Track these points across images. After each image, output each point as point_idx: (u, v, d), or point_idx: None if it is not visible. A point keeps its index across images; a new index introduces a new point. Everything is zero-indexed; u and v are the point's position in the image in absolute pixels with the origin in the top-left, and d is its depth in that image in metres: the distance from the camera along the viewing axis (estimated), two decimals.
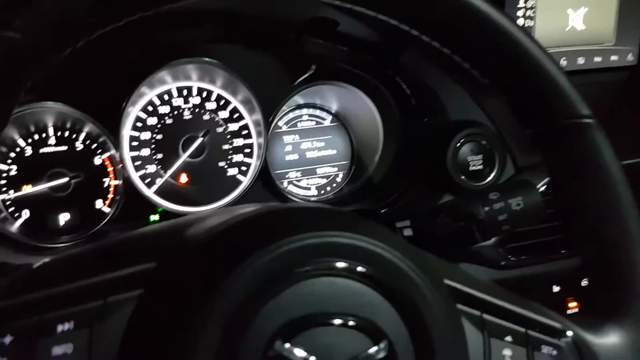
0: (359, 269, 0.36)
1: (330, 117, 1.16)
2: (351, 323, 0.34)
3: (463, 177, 0.94)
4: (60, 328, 0.33)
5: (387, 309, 0.36)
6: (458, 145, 0.93)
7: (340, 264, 0.35)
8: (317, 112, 1.16)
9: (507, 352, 0.42)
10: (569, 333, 0.46)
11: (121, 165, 0.93)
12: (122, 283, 0.36)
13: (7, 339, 0.32)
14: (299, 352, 0.32)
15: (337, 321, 0.34)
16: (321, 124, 1.16)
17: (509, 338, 0.43)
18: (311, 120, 1.15)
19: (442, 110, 0.96)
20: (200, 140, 1.01)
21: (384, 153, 1.10)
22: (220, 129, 1.03)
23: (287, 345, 0.32)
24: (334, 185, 1.16)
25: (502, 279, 0.95)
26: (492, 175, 0.96)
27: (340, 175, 1.16)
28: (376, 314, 0.36)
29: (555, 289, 1.04)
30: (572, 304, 1.05)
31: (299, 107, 1.14)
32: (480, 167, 0.95)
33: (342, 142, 1.17)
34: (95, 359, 0.33)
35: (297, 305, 0.34)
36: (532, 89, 0.49)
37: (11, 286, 0.37)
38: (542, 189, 0.93)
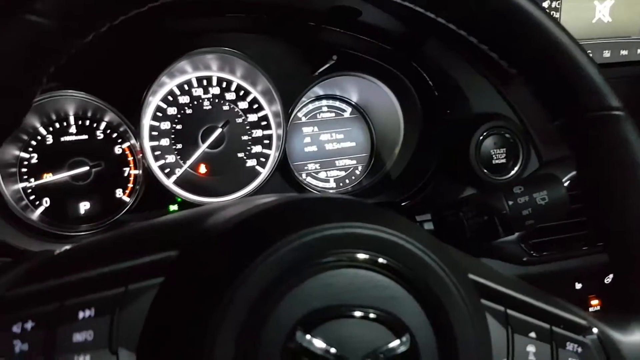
0: (381, 260, 0.35)
1: (350, 109, 1.16)
2: (372, 315, 0.34)
3: (486, 170, 0.93)
4: (81, 315, 0.34)
5: (409, 302, 0.36)
6: (481, 138, 0.92)
7: (362, 255, 0.35)
8: (337, 104, 1.15)
9: (531, 348, 0.42)
10: (595, 330, 0.45)
11: (141, 154, 0.94)
12: (143, 270, 0.36)
13: (29, 325, 0.33)
14: (319, 343, 0.32)
15: (358, 313, 0.34)
16: (341, 115, 1.15)
17: (533, 334, 0.42)
18: (331, 111, 1.15)
19: (465, 102, 0.95)
20: (219, 130, 1.01)
21: (405, 145, 1.10)
22: (239, 120, 1.04)
23: (308, 336, 0.32)
24: (353, 177, 1.15)
25: (523, 274, 0.94)
26: (516, 169, 0.95)
27: (360, 168, 1.16)
28: (398, 307, 0.35)
29: (578, 285, 1.02)
30: (594, 301, 1.03)
31: (319, 98, 1.14)
32: (504, 160, 0.94)
33: (362, 134, 1.16)
34: (116, 346, 0.33)
35: (318, 296, 0.34)
36: (562, 79, 0.48)
37: (32, 272, 0.37)
38: (567, 183, 0.92)
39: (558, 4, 1.00)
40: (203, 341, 0.31)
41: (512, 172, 0.94)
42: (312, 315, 0.33)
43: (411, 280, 0.36)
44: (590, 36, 1.03)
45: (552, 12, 1.00)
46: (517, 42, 0.47)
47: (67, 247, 0.41)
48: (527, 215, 0.72)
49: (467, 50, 0.86)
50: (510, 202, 0.73)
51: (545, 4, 0.98)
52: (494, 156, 0.93)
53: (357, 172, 1.16)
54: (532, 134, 0.96)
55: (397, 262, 0.36)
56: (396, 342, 0.34)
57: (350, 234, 0.35)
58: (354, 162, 1.15)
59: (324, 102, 1.14)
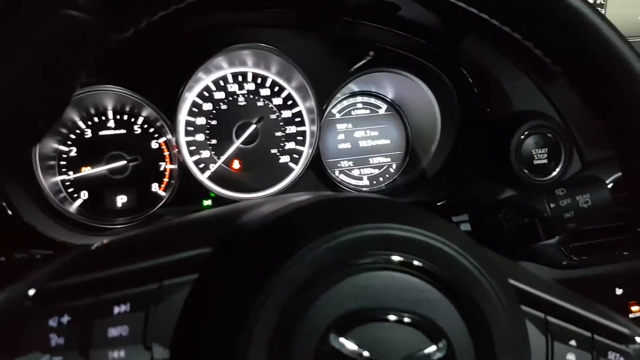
0: (417, 263, 0.35)
1: (385, 106, 1.15)
2: (408, 320, 0.33)
3: (526, 171, 0.90)
4: (116, 310, 0.34)
5: (447, 307, 0.35)
6: (522, 137, 0.90)
7: (398, 258, 0.34)
8: (372, 100, 1.15)
9: (571, 356, 0.41)
10: (638, 340, 0.43)
11: (177, 149, 0.95)
12: (178, 267, 0.37)
13: (65, 319, 0.33)
14: (352, 346, 0.32)
15: (393, 317, 0.33)
16: (376, 112, 1.14)
17: (573, 342, 0.41)
18: (365, 108, 1.14)
19: (506, 100, 0.93)
20: (253, 126, 1.02)
21: (442, 143, 1.08)
22: (273, 116, 1.04)
23: (341, 338, 0.32)
24: (387, 175, 1.14)
25: (562, 278, 0.92)
26: (558, 170, 0.92)
27: (394, 166, 1.15)
28: (435, 311, 0.34)
29: (618, 291, 0.99)
30: (635, 307, 1.00)
31: (354, 94, 1.13)
32: (545, 161, 0.92)
33: (397, 131, 1.15)
34: (150, 341, 0.34)
35: (352, 298, 0.33)
36: (608, 77, 0.46)
37: (69, 266, 0.38)
38: (611, 185, 0.89)
39: (603, 0, 0.97)
40: (236, 340, 0.31)
41: (554, 173, 0.92)
42: (346, 317, 0.33)
43: (449, 284, 0.35)
44: (636, 33, 1.00)
45: (597, 8, 0.97)
46: (563, 39, 0.45)
47: (104, 241, 0.41)
48: (569, 219, 0.70)
49: (509, 47, 0.84)
50: (552, 205, 0.71)
51: (590, 0, 0.95)
52: (535, 156, 0.91)
53: (392, 170, 1.15)
54: (575, 133, 0.93)
55: (434, 265, 0.35)
56: (432, 348, 0.33)
57: (386, 235, 0.35)
58: (389, 159, 1.14)
59: (359, 98, 1.14)
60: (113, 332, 0.33)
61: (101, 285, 0.35)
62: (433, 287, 0.35)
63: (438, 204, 1.00)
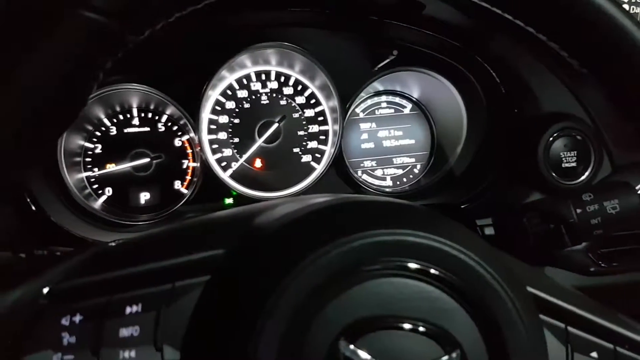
0: (433, 271, 0.34)
1: (410, 105, 1.14)
2: (422, 329, 0.33)
3: (554, 174, 0.88)
4: (128, 310, 0.35)
5: (462, 317, 0.34)
6: (550, 139, 0.88)
7: (413, 265, 0.34)
8: (397, 100, 1.14)
9: None
10: None
11: (199, 147, 0.97)
12: (190, 268, 0.37)
13: (77, 318, 0.34)
14: (364, 354, 0.31)
15: (407, 325, 0.33)
16: (400, 111, 1.14)
17: (594, 354, 0.40)
18: (390, 107, 1.13)
19: (535, 100, 0.91)
20: (275, 125, 1.03)
21: (467, 144, 1.06)
22: (296, 115, 1.04)
23: (352, 346, 0.32)
24: (411, 176, 1.13)
25: (589, 285, 0.89)
26: (587, 174, 0.90)
27: (418, 167, 1.14)
28: (449, 320, 0.34)
29: None
30: None
31: (378, 93, 1.12)
32: (574, 164, 0.89)
33: (422, 131, 1.14)
34: (161, 342, 0.34)
35: (364, 305, 0.33)
36: (638, 79, 0.44)
37: (83, 265, 0.39)
38: None
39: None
40: (246, 344, 0.31)
41: (583, 177, 0.89)
42: (357, 324, 0.32)
43: (464, 293, 0.34)
44: None
45: (632, 7, 0.94)
46: (588, 40, 0.44)
47: (119, 240, 0.42)
48: (596, 225, 0.68)
49: (537, 47, 0.82)
50: (579, 210, 0.69)
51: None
52: (563, 159, 0.88)
53: (416, 170, 1.14)
54: (606, 136, 0.90)
55: (450, 273, 0.34)
56: (445, 358, 0.33)
57: (400, 241, 0.35)
58: (413, 160, 1.14)
59: (384, 97, 1.13)
60: (124, 332, 0.34)
61: (113, 286, 0.36)
62: (448, 295, 0.34)
63: (462, 206, 0.99)
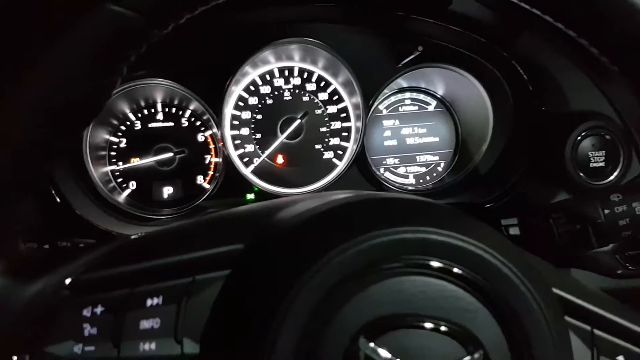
0: (456, 270, 0.34)
1: (435, 102, 1.13)
2: (443, 328, 0.32)
3: (582, 174, 0.87)
4: (149, 302, 0.35)
5: (485, 317, 0.34)
6: (579, 138, 0.86)
7: (435, 263, 0.34)
8: (421, 97, 1.13)
9: None
10: None
11: (222, 143, 0.98)
12: (210, 262, 0.37)
13: (98, 309, 0.35)
14: (384, 352, 0.31)
15: (428, 325, 0.32)
16: (425, 109, 1.13)
17: (621, 358, 0.39)
18: (414, 104, 1.13)
19: (563, 99, 0.89)
20: (298, 121, 1.03)
21: (493, 143, 1.05)
22: (318, 111, 1.05)
23: (372, 344, 0.31)
24: (434, 174, 1.13)
25: (616, 288, 0.87)
26: (615, 174, 0.88)
27: (442, 165, 1.13)
28: (472, 320, 0.33)
29: None
30: None
31: (402, 90, 1.12)
32: (602, 164, 0.87)
33: (447, 129, 1.13)
34: (181, 335, 0.34)
35: (385, 303, 0.33)
36: None
37: (105, 257, 0.40)
38: None
39: None
40: (264, 339, 0.31)
41: (611, 178, 0.88)
42: (378, 322, 0.32)
43: (487, 293, 0.34)
44: None
45: None
46: (619, 37, 0.43)
47: (141, 233, 0.43)
48: (624, 226, 0.67)
49: (566, 44, 0.81)
50: (607, 211, 0.68)
51: None
52: (591, 159, 0.87)
53: (439, 168, 1.13)
54: (636, 135, 0.88)
55: (473, 273, 0.34)
56: (467, 359, 0.32)
57: (423, 239, 0.34)
58: (437, 158, 1.13)
59: (408, 94, 1.12)
60: (145, 324, 0.34)
61: (135, 278, 0.36)
62: (471, 295, 0.34)
63: (487, 206, 0.98)
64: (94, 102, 0.37)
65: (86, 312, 0.34)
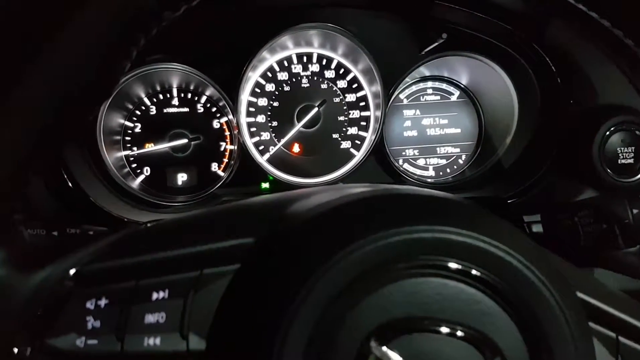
0: (475, 272, 0.33)
1: (458, 92, 1.11)
2: (460, 333, 0.31)
3: (610, 170, 0.85)
4: (155, 296, 0.35)
5: (503, 321, 0.33)
6: (607, 133, 0.84)
7: (453, 264, 0.33)
8: (444, 86, 1.11)
9: None
10: None
11: (237, 130, 0.97)
12: (219, 256, 0.37)
13: (102, 302, 0.34)
14: (396, 357, 0.30)
15: (444, 329, 0.31)
16: (447, 98, 1.11)
17: None
18: (436, 94, 1.11)
19: (592, 91, 0.87)
20: (315, 110, 1.02)
21: (518, 135, 1.03)
22: (337, 99, 1.04)
23: (384, 347, 0.31)
24: (455, 167, 1.11)
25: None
26: None
27: (463, 157, 1.11)
28: (490, 325, 0.32)
29: None
30: None
31: (424, 79, 1.10)
32: (631, 160, 0.85)
33: (470, 120, 1.11)
34: (187, 330, 0.34)
35: (400, 304, 0.32)
36: None
37: (111, 248, 0.40)
38: None
39: None
40: (273, 338, 0.31)
41: None
42: (391, 325, 0.31)
43: (507, 297, 0.33)
44: None
45: None
46: None
47: (150, 223, 0.43)
48: None
49: (598, 34, 0.78)
50: (635, 210, 0.67)
51: None
52: (620, 155, 0.85)
53: (460, 161, 1.11)
54: None
55: (493, 275, 0.33)
56: None
57: (441, 239, 0.33)
58: (458, 150, 1.11)
59: (430, 83, 1.11)
60: (150, 318, 0.34)
61: (141, 270, 0.36)
62: (490, 299, 0.33)
63: (509, 201, 0.96)
64: (102, 86, 0.37)
65: (90, 305, 0.34)
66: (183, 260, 0.37)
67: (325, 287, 0.32)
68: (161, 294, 0.35)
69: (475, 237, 0.33)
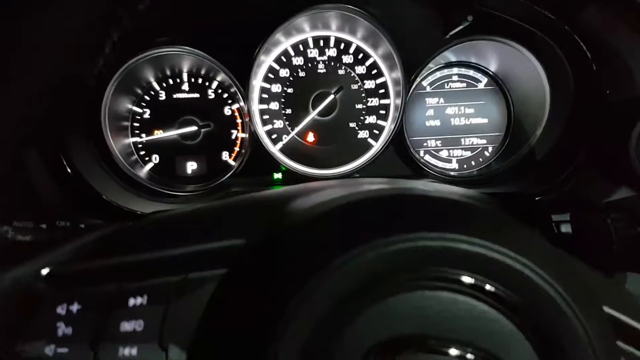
0: (489, 287, 0.30)
1: (485, 79, 1.07)
2: (470, 356, 0.29)
3: None
4: (132, 301, 0.33)
5: (519, 343, 0.30)
6: None
7: (465, 277, 0.30)
8: (471, 73, 1.07)
9: None
10: None
11: (248, 118, 0.96)
12: (205, 259, 0.35)
13: (74, 307, 0.33)
14: None
15: (453, 351, 0.29)
16: (474, 86, 1.07)
17: None
18: (462, 81, 1.07)
19: (630, 82, 0.82)
20: (331, 97, 1.00)
21: (549, 127, 0.99)
22: (354, 86, 1.01)
23: None
24: (481, 159, 1.08)
25: None
26: None
27: (490, 149, 1.08)
28: (505, 347, 0.30)
29: None
30: None
31: (449, 65, 1.07)
32: None
33: (498, 109, 1.07)
34: (167, 341, 0.32)
35: (402, 320, 0.30)
36: None
37: (89, 247, 0.38)
38: None
39: None
40: (263, 353, 0.29)
41: None
42: (392, 342, 0.29)
43: (525, 315, 0.30)
44: None
45: None
46: None
47: (130, 223, 0.41)
48: None
49: (639, 19, 0.74)
50: None
51: None
52: None
53: (487, 153, 1.08)
54: None
55: (510, 291, 0.31)
56: None
57: (450, 248, 0.31)
58: (484, 141, 1.08)
59: (455, 70, 1.07)
60: (126, 326, 0.33)
61: (118, 273, 0.34)
62: (506, 317, 0.31)
63: (537, 198, 0.93)
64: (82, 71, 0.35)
65: (61, 310, 0.33)
66: (165, 263, 0.35)
67: (320, 299, 0.30)
68: (139, 300, 0.33)
69: (490, 247, 0.31)
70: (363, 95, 1.01)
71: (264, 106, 1.00)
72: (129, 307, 0.33)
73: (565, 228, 0.85)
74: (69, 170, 0.83)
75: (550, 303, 0.31)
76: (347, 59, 1.01)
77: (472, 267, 0.31)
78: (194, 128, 1.00)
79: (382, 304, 0.30)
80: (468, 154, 1.08)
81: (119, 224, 0.42)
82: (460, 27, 0.92)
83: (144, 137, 1.00)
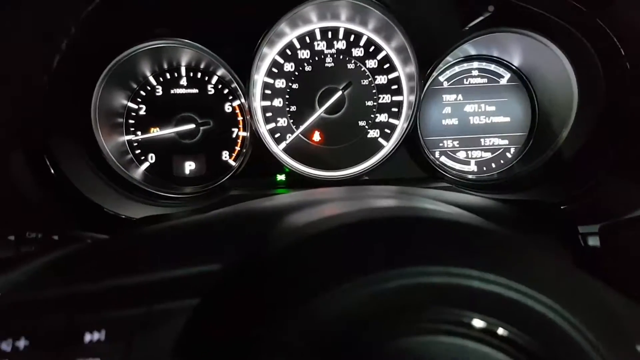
0: (503, 332, 0.27)
1: (508, 75, 1.02)
2: None
3: None
4: (87, 337, 0.30)
5: None
6: None
7: (475, 321, 0.27)
8: (492, 67, 1.02)
9: None
10: None
11: (249, 115, 0.92)
12: (174, 287, 0.32)
13: (22, 343, 0.30)
14: None
15: None
16: (496, 82, 1.02)
17: None
18: (482, 76, 1.02)
19: None
20: (339, 93, 0.96)
21: (576, 128, 0.94)
22: (365, 82, 0.97)
23: None
24: (502, 162, 1.03)
25: None
26: None
27: (512, 151, 1.03)
28: None
29: None
30: None
31: (469, 59, 1.02)
32: None
33: (521, 107, 1.02)
34: None
35: None
36: None
37: (38, 273, 0.35)
38: None
39: None
40: None
41: None
42: None
43: None
44: None
45: None
46: None
47: (90, 242, 0.38)
48: None
49: None
50: None
51: None
52: None
53: (509, 155, 1.03)
54: None
55: (529, 337, 0.27)
56: None
57: (457, 285, 0.27)
58: (506, 142, 1.03)
59: (476, 64, 1.02)
60: None
61: (72, 304, 0.31)
62: None
63: (562, 207, 0.88)
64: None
65: (5, 346, 0.30)
66: (126, 292, 0.32)
67: (305, 339, 0.27)
68: (96, 336, 0.30)
69: (505, 284, 0.27)
70: (374, 91, 0.97)
71: (267, 103, 0.97)
72: (84, 344, 0.30)
73: (593, 241, 0.80)
74: (52, 171, 0.79)
75: (574, 349, 0.27)
76: (357, 52, 0.97)
77: (484, 307, 0.27)
78: (192, 126, 0.97)
79: (376, 351, 0.26)
80: (488, 155, 1.03)
81: (75, 244, 0.38)
82: (481, 17, 0.88)
83: (140, 135, 0.97)
